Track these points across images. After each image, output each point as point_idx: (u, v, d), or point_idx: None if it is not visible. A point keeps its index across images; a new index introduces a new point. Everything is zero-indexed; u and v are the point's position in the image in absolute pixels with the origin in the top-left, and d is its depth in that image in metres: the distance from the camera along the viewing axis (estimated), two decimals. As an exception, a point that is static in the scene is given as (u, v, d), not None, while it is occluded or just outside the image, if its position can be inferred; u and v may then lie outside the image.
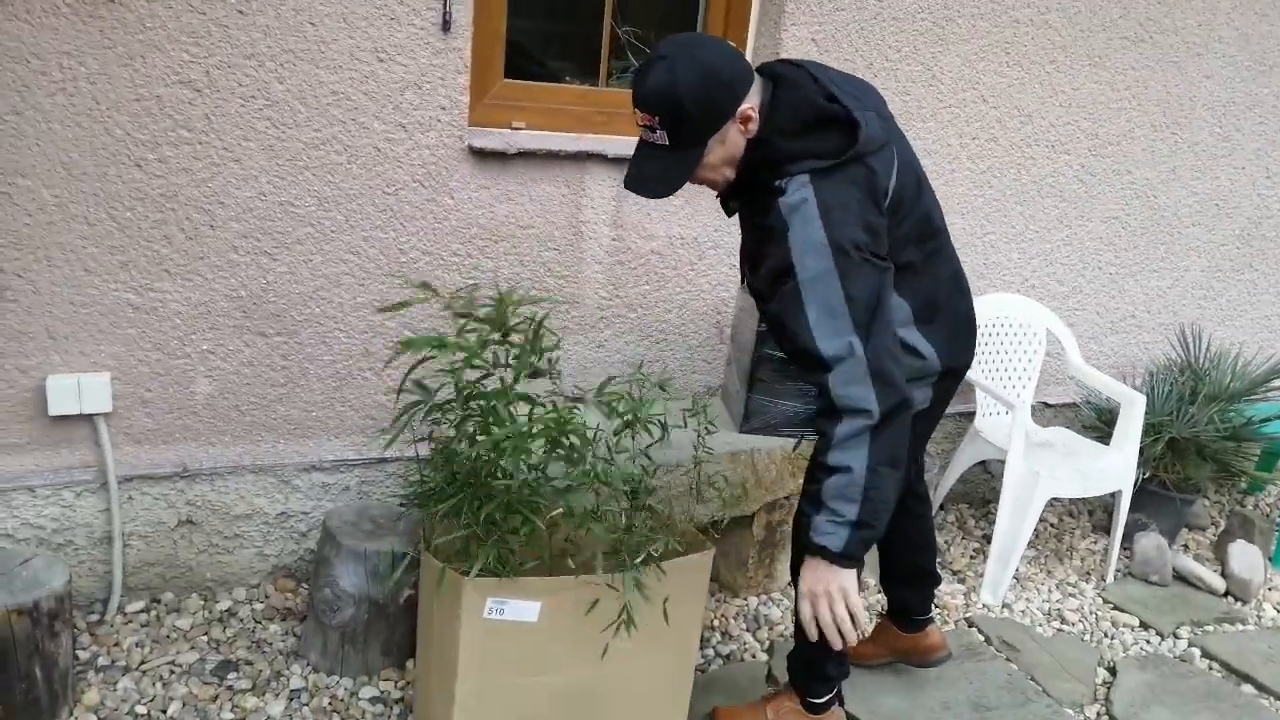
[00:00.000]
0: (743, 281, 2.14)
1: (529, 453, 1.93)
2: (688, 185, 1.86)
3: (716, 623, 2.68)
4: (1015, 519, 2.91)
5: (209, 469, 2.47)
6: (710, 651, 2.57)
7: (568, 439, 1.97)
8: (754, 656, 2.58)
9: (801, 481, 2.67)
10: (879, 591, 2.78)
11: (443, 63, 2.40)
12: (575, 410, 2.04)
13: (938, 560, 2.80)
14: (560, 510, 1.92)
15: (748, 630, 2.67)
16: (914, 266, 1.92)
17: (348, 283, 2.48)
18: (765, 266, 1.76)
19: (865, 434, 1.68)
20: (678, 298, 2.85)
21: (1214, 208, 3.62)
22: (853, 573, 1.74)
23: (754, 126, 1.75)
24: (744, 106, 1.73)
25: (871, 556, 2.26)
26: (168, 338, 2.36)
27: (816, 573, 1.73)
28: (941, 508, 3.40)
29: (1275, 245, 3.79)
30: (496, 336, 1.94)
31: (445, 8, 2.35)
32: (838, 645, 1.77)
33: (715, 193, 1.93)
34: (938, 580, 2.51)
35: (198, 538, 2.52)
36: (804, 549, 1.75)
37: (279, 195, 2.35)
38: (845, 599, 1.72)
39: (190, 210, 2.29)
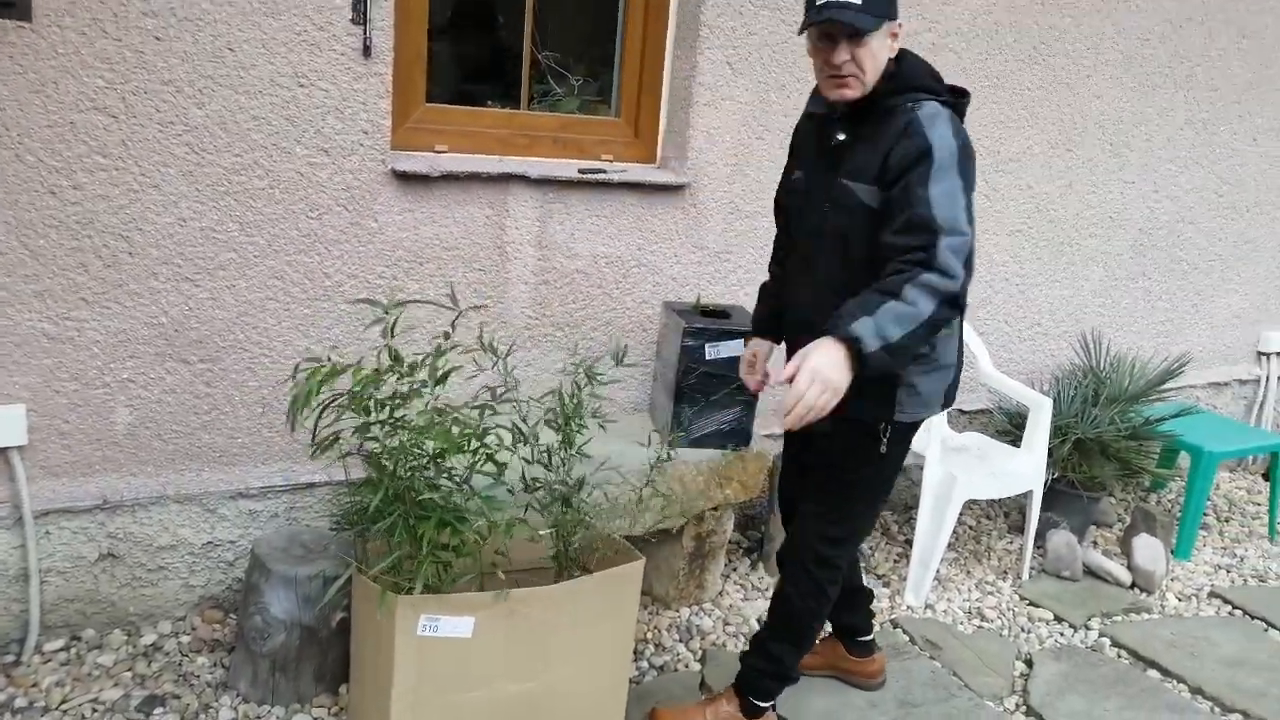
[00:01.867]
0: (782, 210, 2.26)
1: (460, 449, 1.95)
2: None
3: (649, 634, 2.72)
4: (935, 522, 3.02)
5: (131, 500, 2.43)
6: (644, 664, 2.61)
7: (487, 448, 2.00)
8: (687, 667, 2.63)
9: (727, 491, 2.75)
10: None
11: (364, 87, 2.42)
12: (497, 416, 2.07)
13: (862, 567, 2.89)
14: (485, 521, 1.94)
15: (680, 641, 2.71)
16: None
17: (272, 308, 2.47)
18: (894, 159, 1.91)
19: (939, 294, 1.83)
20: (604, 315, 2.91)
21: (1108, 220, 3.82)
22: (846, 383, 1.78)
23: (896, 46, 1.98)
24: (898, 23, 1.96)
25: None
26: (86, 367, 2.32)
27: (831, 358, 1.77)
28: (865, 514, 3.50)
29: (1165, 254, 4.02)
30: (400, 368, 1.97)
31: (366, 33, 2.37)
32: (792, 425, 1.78)
33: (837, 127, 2.04)
34: (871, 594, 2.59)
35: (120, 571, 2.46)
36: (831, 333, 1.79)
37: (200, 221, 2.34)
38: (833, 397, 1.76)
39: (108, 237, 2.26)
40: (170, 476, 2.47)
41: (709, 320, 2.74)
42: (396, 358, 2.03)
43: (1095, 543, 3.60)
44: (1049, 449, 3.26)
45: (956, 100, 2.01)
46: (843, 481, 2.17)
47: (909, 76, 1.98)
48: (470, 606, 1.97)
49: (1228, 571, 3.49)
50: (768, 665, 2.30)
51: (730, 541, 3.01)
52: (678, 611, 2.84)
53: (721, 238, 3.02)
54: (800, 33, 1.98)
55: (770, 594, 2.97)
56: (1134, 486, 4.04)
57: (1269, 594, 3.35)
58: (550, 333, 2.85)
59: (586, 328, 2.89)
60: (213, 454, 2.51)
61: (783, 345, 2.31)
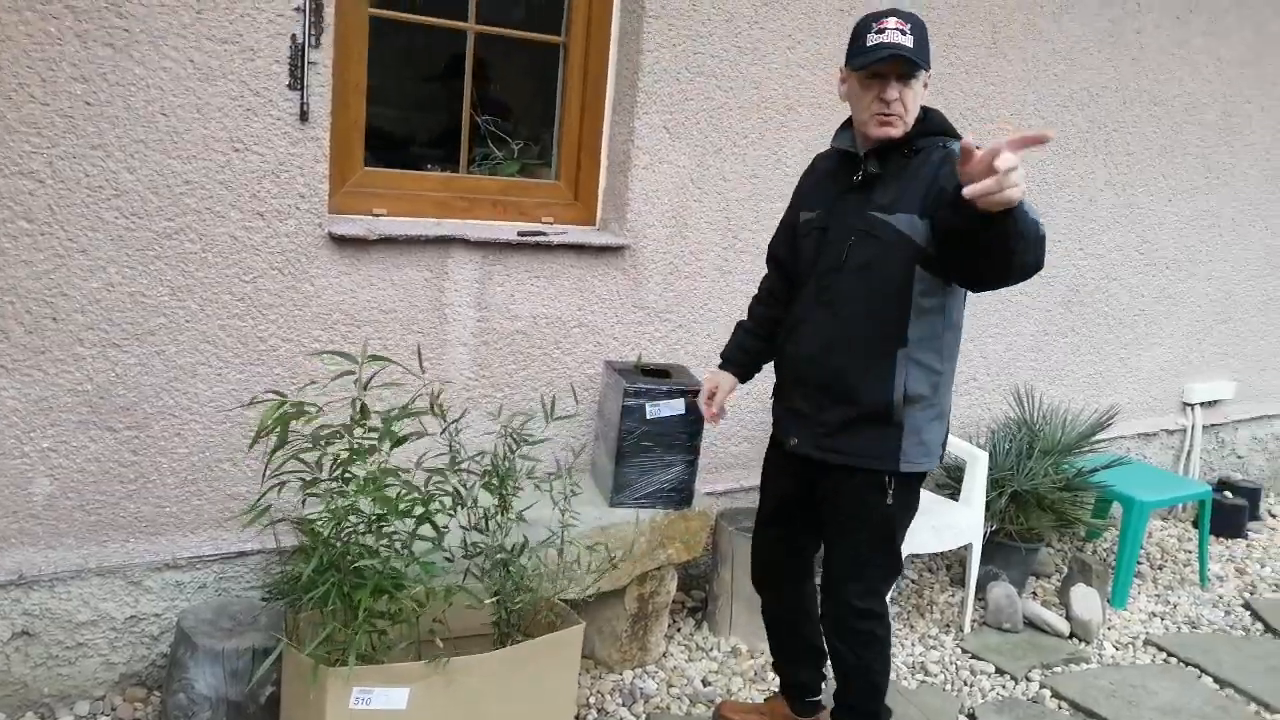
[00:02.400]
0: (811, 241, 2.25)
1: (401, 513, 1.92)
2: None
3: (592, 699, 2.67)
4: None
5: (49, 574, 2.33)
6: (588, 729, 2.56)
7: (428, 512, 1.97)
8: (632, 731, 2.58)
9: (670, 552, 2.74)
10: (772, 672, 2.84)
11: (301, 152, 2.42)
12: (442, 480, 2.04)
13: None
14: (421, 588, 1.91)
15: (624, 705, 2.67)
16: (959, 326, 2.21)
17: (204, 373, 2.42)
18: (943, 183, 1.95)
19: (1040, 229, 1.80)
20: (543, 375, 2.90)
21: (1039, 277, 3.89)
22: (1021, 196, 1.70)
23: (926, 93, 2.10)
24: (929, 73, 2.08)
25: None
26: (3, 436, 2.24)
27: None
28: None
29: (1092, 310, 4.15)
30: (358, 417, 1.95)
31: (303, 99, 2.38)
32: (987, 191, 1.65)
33: (860, 166, 2.12)
34: (825, 654, 2.57)
35: (35, 650, 2.36)
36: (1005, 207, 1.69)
37: (129, 285, 2.30)
38: (1019, 194, 1.65)
39: (30, 303, 2.21)
40: (92, 549, 2.39)
41: (650, 380, 2.75)
42: (365, 411, 2.00)
43: (1034, 594, 3.65)
44: (987, 502, 3.31)
45: None
46: (855, 539, 2.21)
47: (937, 123, 2.13)
48: (406, 677, 1.92)
49: (1162, 619, 3.56)
50: (868, 715, 2.33)
51: (674, 602, 2.99)
52: (621, 675, 2.80)
53: (662, 298, 3.05)
54: (859, 68, 2.05)
55: (714, 653, 2.96)
56: (1070, 537, 4.11)
57: (1202, 640, 3.41)
58: (490, 394, 2.83)
59: (526, 389, 2.88)
60: (138, 524, 2.43)
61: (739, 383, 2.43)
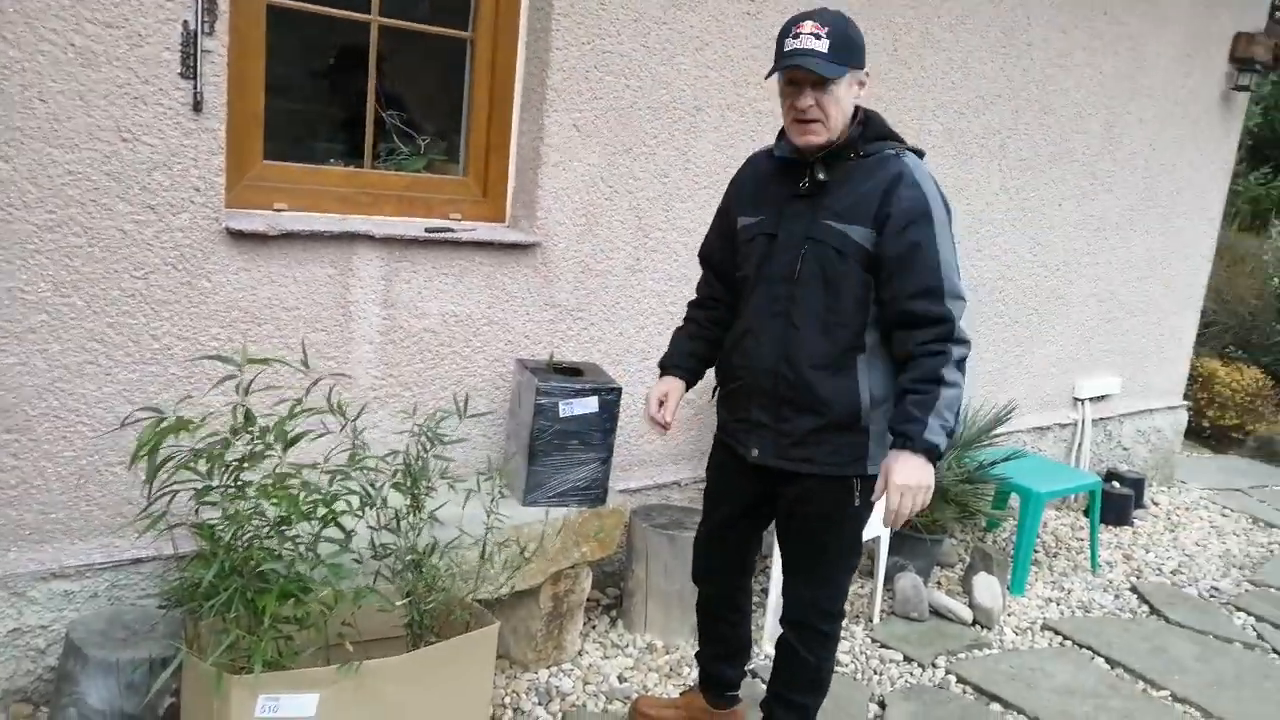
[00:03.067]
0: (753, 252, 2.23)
1: (305, 515, 1.86)
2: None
3: (508, 699, 2.64)
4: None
5: (-79, 589, 2.19)
6: (502, 731, 2.52)
7: (334, 513, 1.92)
8: (547, 731, 2.56)
9: (584, 550, 2.72)
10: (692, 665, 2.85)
11: (195, 143, 2.33)
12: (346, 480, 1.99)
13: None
14: (329, 591, 1.85)
15: (539, 704, 2.64)
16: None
17: (91, 372, 2.31)
18: (896, 206, 2.02)
19: (963, 362, 2.04)
20: (453, 374, 2.86)
21: (937, 277, 4.07)
22: (933, 479, 2.01)
23: (862, 94, 2.09)
24: (865, 71, 2.07)
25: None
26: None
27: (916, 469, 1.99)
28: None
29: (990, 310, 4.31)
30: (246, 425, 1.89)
31: (197, 88, 2.29)
32: (897, 525, 2.05)
33: (805, 172, 2.11)
34: (749, 651, 2.60)
35: (-93, 670, 2.20)
36: (907, 445, 1.99)
37: (6, 281, 2.17)
38: (926, 495, 2.00)
39: (-102, 299, 2.07)
40: (-30, 561, 2.24)
41: (563, 378, 2.74)
42: (249, 417, 1.93)
43: (939, 583, 3.75)
44: (892, 495, 3.39)
45: (918, 154, 2.16)
46: (823, 543, 2.22)
47: (878, 127, 2.13)
48: (314, 682, 1.86)
49: (1057, 604, 3.70)
50: (795, 716, 2.36)
51: (589, 600, 2.97)
52: (536, 674, 2.77)
53: (573, 295, 3.04)
54: (767, 77, 2.07)
55: (629, 650, 2.96)
56: (972, 527, 4.25)
57: (1094, 624, 3.57)
58: (398, 393, 2.77)
59: (436, 387, 2.83)
60: (21, 532, 2.29)
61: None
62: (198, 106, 2.31)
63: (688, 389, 2.38)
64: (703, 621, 2.54)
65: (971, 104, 3.95)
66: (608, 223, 3.06)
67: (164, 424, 1.89)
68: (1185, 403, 5.56)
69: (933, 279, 2.02)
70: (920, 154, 2.16)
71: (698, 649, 2.59)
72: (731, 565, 2.44)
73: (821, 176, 2.08)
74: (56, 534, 2.34)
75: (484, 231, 2.87)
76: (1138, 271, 4.93)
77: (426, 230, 2.74)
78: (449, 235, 2.76)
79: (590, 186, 3.00)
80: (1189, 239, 5.16)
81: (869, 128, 2.11)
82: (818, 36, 1.98)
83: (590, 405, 2.68)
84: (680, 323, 2.45)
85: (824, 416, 2.10)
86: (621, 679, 2.82)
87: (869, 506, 2.21)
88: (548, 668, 2.80)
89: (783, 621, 2.35)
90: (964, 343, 2.04)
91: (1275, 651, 3.52)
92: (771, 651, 3.04)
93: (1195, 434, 6.29)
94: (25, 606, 2.31)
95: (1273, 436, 6.38)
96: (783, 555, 2.36)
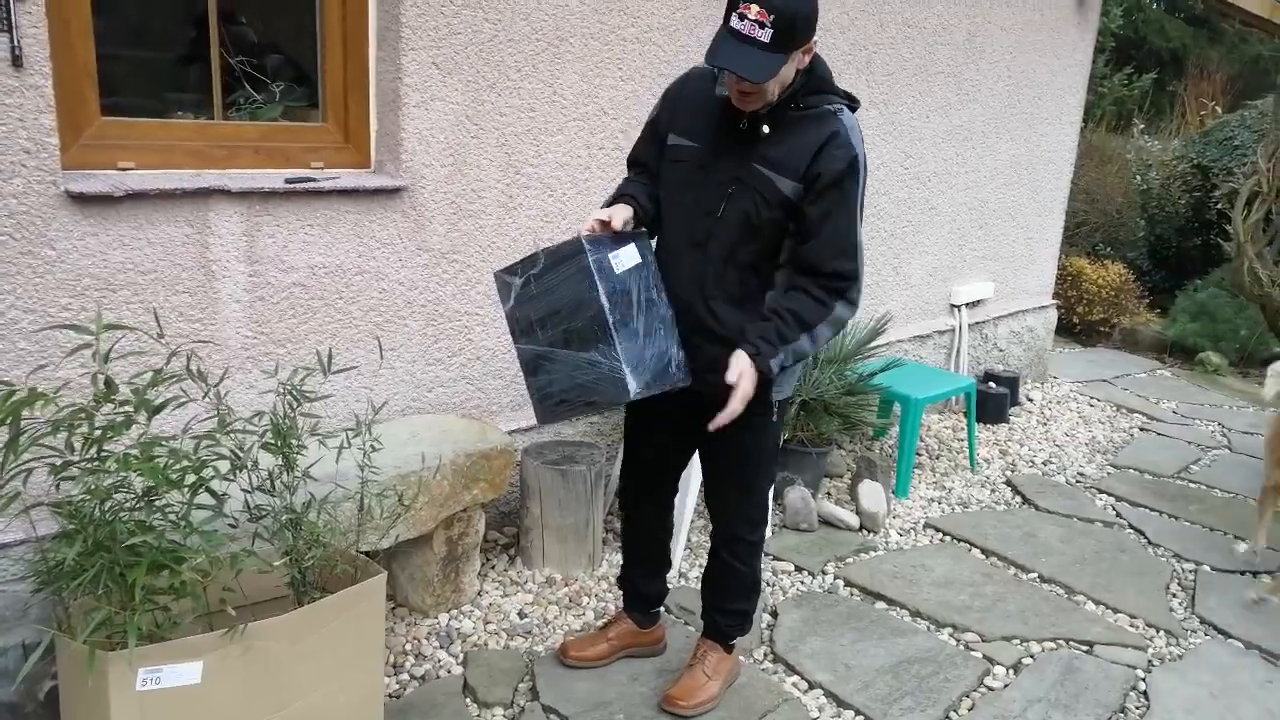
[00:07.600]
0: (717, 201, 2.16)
1: (173, 484, 1.83)
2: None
3: (408, 645, 2.67)
4: (681, 494, 3.16)
5: None
6: (405, 676, 2.56)
7: (203, 480, 1.89)
8: (449, 672, 2.60)
9: (475, 492, 2.73)
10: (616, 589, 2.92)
11: (20, 102, 2.19)
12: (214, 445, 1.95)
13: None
14: (204, 559, 1.83)
15: (440, 648, 2.69)
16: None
17: (-69, 354, 2.19)
18: (824, 165, 2.05)
19: (841, 326, 2.18)
20: (328, 327, 2.81)
21: (814, 196, 4.14)
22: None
23: (808, 60, 2.07)
24: (813, 40, 2.04)
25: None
26: None
27: (751, 378, 2.09)
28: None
29: (867, 225, 4.40)
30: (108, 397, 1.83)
31: (14, 41, 2.14)
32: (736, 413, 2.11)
33: (745, 113, 2.09)
34: (671, 565, 2.75)
35: None
36: (755, 358, 2.09)
37: None
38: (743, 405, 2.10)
39: None
40: None
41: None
42: (110, 385, 1.87)
43: (828, 494, 3.92)
44: (778, 413, 3.50)
45: (853, 105, 2.17)
46: (745, 460, 2.33)
47: (819, 79, 2.12)
48: (196, 650, 1.85)
49: (939, 504, 3.91)
50: (738, 619, 2.54)
51: (488, 540, 3.01)
52: (436, 619, 2.81)
53: (446, 238, 3.00)
54: (707, 63, 2.01)
55: (528, 585, 3.02)
56: (859, 437, 4.42)
57: (971, 518, 3.79)
58: (272, 350, 2.71)
59: (313, 341, 2.78)
60: (-126, 527, 2.19)
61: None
62: (17, 62, 2.16)
63: (633, 216, 2.18)
64: (633, 544, 2.65)
65: (838, 21, 3.97)
66: (476, 162, 3.01)
67: (15, 396, 1.80)
68: (1055, 301, 5.84)
69: (849, 235, 2.12)
70: (855, 105, 2.18)
71: (623, 573, 2.71)
72: (658, 490, 2.57)
73: (765, 129, 2.09)
74: (-88, 524, 2.24)
75: (348, 179, 2.79)
76: (1005, 178, 5.11)
77: (286, 181, 2.65)
78: (311, 185, 2.68)
79: (456, 126, 2.94)
80: (1052, 144, 5.36)
81: (810, 80, 2.10)
82: (762, 25, 1.93)
83: (633, 256, 2.18)
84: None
85: (732, 347, 2.14)
86: (521, 615, 2.88)
87: (784, 422, 2.37)
88: (448, 611, 2.84)
89: (714, 537, 2.48)
90: (852, 304, 2.14)
91: (1131, 527, 3.81)
92: (668, 573, 3.16)
93: (1066, 330, 6.64)
94: (-114, 601, 2.22)
95: (1135, 328, 6.78)
96: (706, 474, 2.45)
